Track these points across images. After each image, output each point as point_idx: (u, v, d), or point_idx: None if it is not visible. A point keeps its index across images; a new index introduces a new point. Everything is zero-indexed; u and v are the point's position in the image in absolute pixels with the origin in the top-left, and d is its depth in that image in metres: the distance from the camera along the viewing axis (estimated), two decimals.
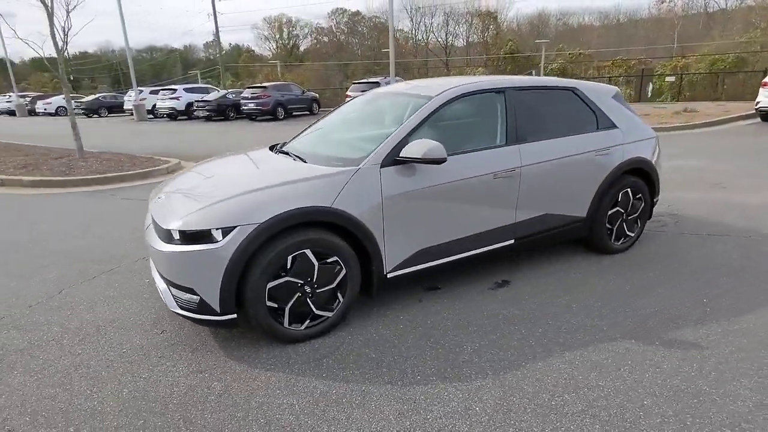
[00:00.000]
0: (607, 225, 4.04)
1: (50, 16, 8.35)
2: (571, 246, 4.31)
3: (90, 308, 3.41)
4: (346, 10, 62.82)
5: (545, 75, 32.03)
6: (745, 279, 3.58)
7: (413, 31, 53.46)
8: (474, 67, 43.32)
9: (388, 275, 3.08)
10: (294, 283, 2.76)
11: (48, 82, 54.69)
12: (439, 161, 2.94)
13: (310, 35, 64.50)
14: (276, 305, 2.75)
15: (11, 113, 31.35)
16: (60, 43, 8.53)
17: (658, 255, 4.12)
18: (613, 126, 3.98)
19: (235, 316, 2.67)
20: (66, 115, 29.30)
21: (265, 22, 63.31)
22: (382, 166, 2.98)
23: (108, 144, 12.73)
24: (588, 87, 3.99)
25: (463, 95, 3.39)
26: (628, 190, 4.06)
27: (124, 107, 26.38)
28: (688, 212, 5.28)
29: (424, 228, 3.14)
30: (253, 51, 66.52)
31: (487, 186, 3.32)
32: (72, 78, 51.57)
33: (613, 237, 4.11)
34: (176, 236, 2.64)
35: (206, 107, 19.56)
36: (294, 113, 21.87)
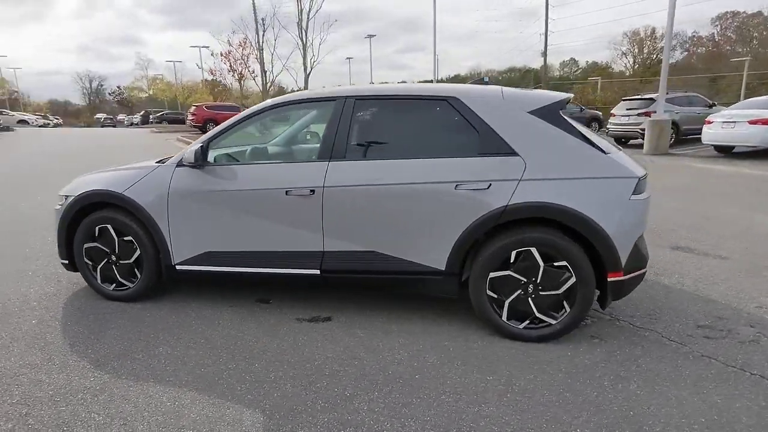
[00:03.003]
0: (490, 293, 2.78)
1: (304, 51, 11.13)
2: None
3: None
4: (738, 12, 51.14)
5: None
6: None
7: None
8: None
9: (177, 267, 3.28)
10: (102, 250, 3.41)
11: None
12: (194, 165, 3.05)
13: (680, 46, 55.79)
14: (92, 263, 3.47)
15: None
16: (308, 70, 11.29)
17: (563, 360, 2.54)
18: (510, 153, 2.68)
19: (67, 262, 3.54)
20: None
21: (625, 36, 58.64)
22: (178, 165, 3.21)
23: None
24: (480, 96, 2.80)
25: (280, 105, 3.17)
26: (533, 250, 2.66)
27: None
28: None
29: (211, 231, 3.16)
30: (611, 68, 62.83)
31: (278, 203, 2.98)
32: None
33: (506, 314, 2.78)
34: (60, 200, 3.71)
35: None
36: None
